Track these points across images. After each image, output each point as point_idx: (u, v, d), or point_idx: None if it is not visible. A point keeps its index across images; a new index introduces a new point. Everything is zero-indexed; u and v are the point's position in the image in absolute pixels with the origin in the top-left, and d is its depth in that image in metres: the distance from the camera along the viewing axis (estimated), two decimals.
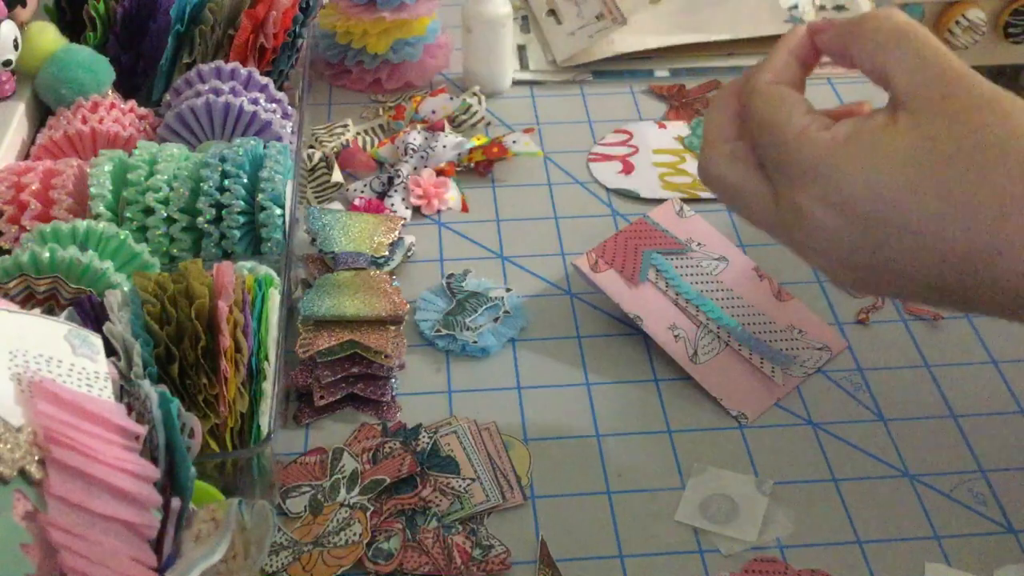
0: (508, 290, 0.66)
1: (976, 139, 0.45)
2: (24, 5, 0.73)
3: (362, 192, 0.73)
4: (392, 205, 0.72)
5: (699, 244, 0.67)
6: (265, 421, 0.53)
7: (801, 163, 0.47)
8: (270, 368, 0.55)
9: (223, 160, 0.63)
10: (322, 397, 0.58)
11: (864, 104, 0.51)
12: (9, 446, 0.39)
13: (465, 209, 0.74)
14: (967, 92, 0.46)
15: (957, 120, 0.45)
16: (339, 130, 0.79)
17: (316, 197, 0.74)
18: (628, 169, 0.76)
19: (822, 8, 0.90)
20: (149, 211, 0.62)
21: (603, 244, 0.65)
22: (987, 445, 0.57)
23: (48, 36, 0.73)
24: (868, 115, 0.47)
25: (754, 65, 0.51)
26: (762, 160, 0.49)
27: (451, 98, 0.81)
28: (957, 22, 1.40)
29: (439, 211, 0.73)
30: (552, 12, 0.91)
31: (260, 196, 0.62)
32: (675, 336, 0.62)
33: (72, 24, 0.77)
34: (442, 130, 0.77)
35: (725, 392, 0.60)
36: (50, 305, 0.55)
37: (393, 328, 0.60)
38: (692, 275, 0.65)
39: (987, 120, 0.45)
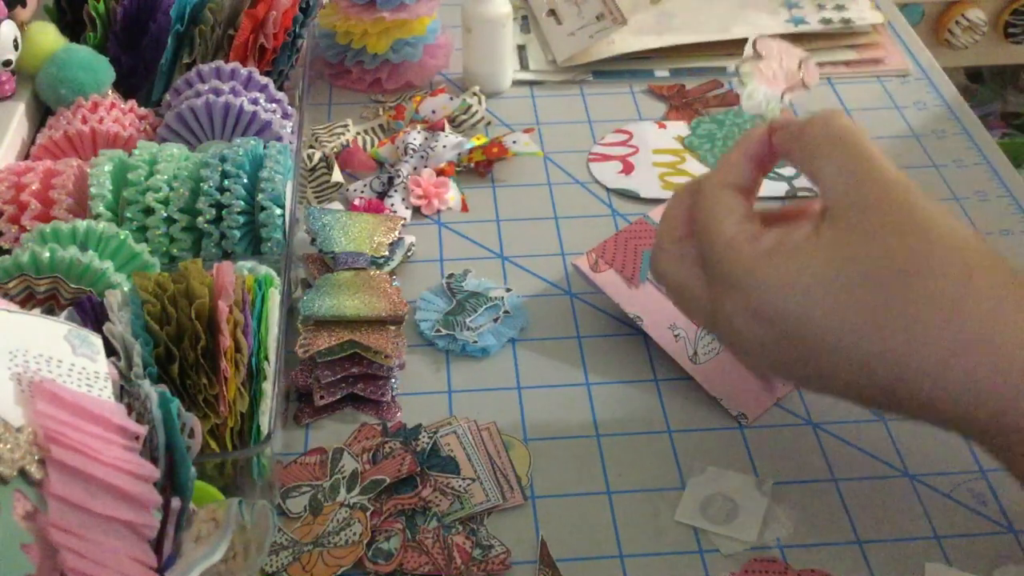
0: (508, 290, 0.66)
1: (891, 263, 0.45)
2: (24, 5, 0.73)
3: (362, 192, 0.73)
4: (392, 205, 0.72)
5: None
6: (265, 421, 0.53)
7: (726, 272, 0.49)
8: (270, 368, 0.55)
9: (223, 160, 0.63)
10: (322, 397, 0.58)
11: (811, 205, 0.51)
12: (9, 446, 0.39)
13: (465, 209, 0.74)
14: (888, 210, 0.46)
15: (874, 240, 0.46)
16: (339, 130, 0.79)
17: (316, 197, 0.74)
18: (628, 169, 0.76)
19: (821, 7, 0.90)
20: (149, 211, 0.62)
21: (603, 244, 0.65)
22: None
23: (48, 36, 0.73)
24: (794, 226, 0.48)
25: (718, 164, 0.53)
26: (703, 257, 0.51)
27: (451, 98, 0.81)
28: (957, 22, 1.40)
29: (439, 211, 0.73)
30: (552, 12, 0.91)
31: (260, 196, 0.62)
32: (675, 336, 0.62)
33: (72, 24, 0.77)
34: (442, 130, 0.77)
35: (725, 392, 0.60)
36: (50, 305, 0.55)
37: (393, 328, 0.60)
38: None
39: (901, 245, 0.46)
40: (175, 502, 0.42)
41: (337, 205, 0.72)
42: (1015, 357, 0.44)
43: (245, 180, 0.63)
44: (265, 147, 0.65)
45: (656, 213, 0.67)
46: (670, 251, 0.53)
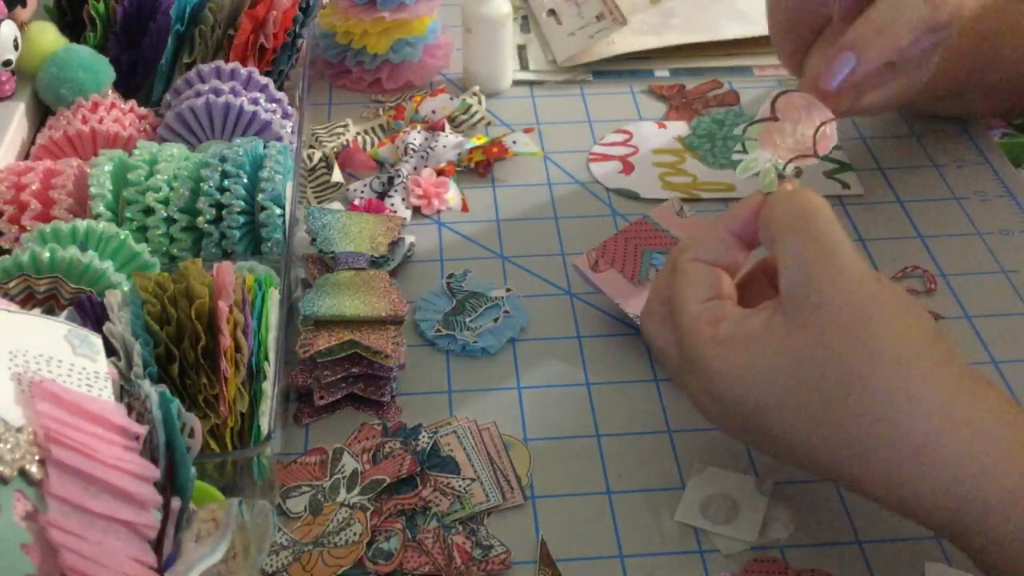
0: (508, 290, 0.66)
1: (835, 374, 0.46)
2: (24, 5, 0.73)
3: (362, 192, 0.73)
4: (392, 205, 0.72)
5: None
6: (265, 421, 0.53)
7: (686, 351, 0.50)
8: (270, 368, 0.55)
9: (223, 160, 0.63)
10: (322, 397, 0.58)
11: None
12: (9, 446, 0.39)
13: (465, 209, 0.74)
14: (839, 312, 0.46)
15: (821, 344, 0.46)
16: (339, 130, 0.79)
17: (316, 197, 0.74)
18: (628, 169, 0.76)
19: None
20: (149, 211, 0.62)
21: (603, 244, 0.65)
22: None
23: (48, 36, 0.73)
24: (753, 313, 0.49)
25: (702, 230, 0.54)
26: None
27: (451, 98, 0.81)
28: None
29: (439, 211, 0.73)
30: (552, 12, 0.91)
31: (260, 196, 0.62)
32: None
33: (72, 24, 0.77)
34: (442, 130, 0.77)
35: None
36: (50, 305, 0.55)
37: (393, 328, 0.60)
38: None
39: (848, 353, 0.45)
40: (175, 502, 0.42)
41: (337, 205, 0.72)
42: (958, 476, 0.44)
43: (245, 180, 0.63)
44: (265, 147, 0.65)
45: (657, 213, 0.67)
46: (656, 311, 0.54)
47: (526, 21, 0.93)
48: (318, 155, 0.77)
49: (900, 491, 0.46)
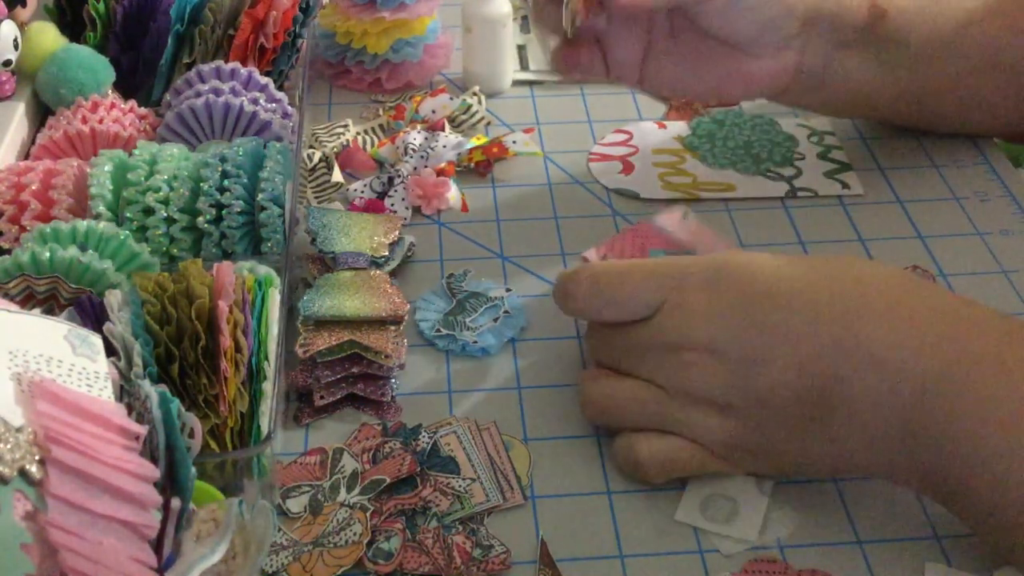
0: (508, 290, 0.66)
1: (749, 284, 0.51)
2: (24, 5, 0.73)
3: (362, 192, 0.73)
4: (392, 205, 0.72)
5: (703, 247, 0.65)
6: (265, 421, 0.53)
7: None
8: (270, 368, 0.55)
9: (223, 160, 0.63)
10: (322, 397, 0.58)
11: None
12: (9, 446, 0.39)
13: (465, 209, 0.74)
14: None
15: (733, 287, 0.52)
16: (339, 130, 0.79)
17: (316, 197, 0.74)
18: (628, 169, 0.76)
19: None
20: (149, 211, 0.62)
21: (611, 240, 0.64)
22: None
23: (48, 36, 0.73)
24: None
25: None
26: None
27: (451, 98, 0.81)
28: None
29: (439, 211, 0.73)
30: None
31: (260, 196, 0.62)
32: None
33: (72, 24, 0.77)
34: (442, 130, 0.77)
35: None
36: (50, 305, 0.55)
37: (393, 328, 0.60)
38: None
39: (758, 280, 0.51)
40: (175, 502, 0.42)
41: (337, 205, 0.72)
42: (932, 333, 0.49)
43: (245, 180, 0.63)
44: (265, 147, 0.65)
45: (662, 219, 0.66)
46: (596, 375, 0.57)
47: (526, 21, 0.93)
48: (318, 155, 0.77)
49: (874, 372, 0.48)
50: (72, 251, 0.56)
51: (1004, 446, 0.45)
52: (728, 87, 0.68)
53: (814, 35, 0.65)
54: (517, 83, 0.85)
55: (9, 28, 0.70)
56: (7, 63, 0.71)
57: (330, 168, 0.75)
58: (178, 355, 0.52)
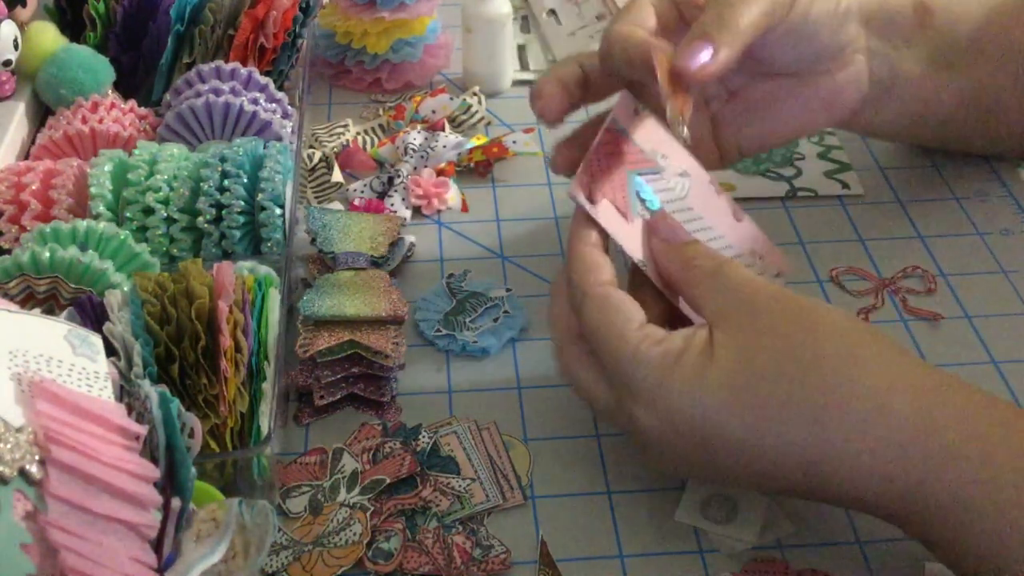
0: (508, 290, 0.66)
1: (783, 355, 0.47)
2: (24, 5, 0.73)
3: (362, 192, 0.73)
4: (392, 205, 0.72)
5: (663, 156, 0.58)
6: (265, 421, 0.53)
7: (635, 382, 0.49)
8: (270, 368, 0.55)
9: (223, 160, 0.63)
10: (322, 397, 0.58)
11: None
12: (9, 446, 0.39)
13: (465, 209, 0.74)
14: (774, 311, 0.49)
15: (765, 335, 0.48)
16: (339, 130, 0.79)
17: (316, 197, 0.74)
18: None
19: None
20: (149, 211, 0.62)
21: (588, 163, 0.55)
22: None
23: (48, 36, 0.73)
24: (693, 332, 0.49)
25: (571, 258, 0.53)
26: (601, 362, 0.51)
27: (451, 98, 0.81)
28: None
29: (439, 211, 0.73)
30: (552, 12, 0.91)
31: (260, 196, 0.62)
32: None
33: (72, 24, 0.77)
34: (442, 130, 0.77)
35: None
36: (50, 305, 0.55)
37: (393, 328, 0.60)
38: (668, 202, 0.58)
39: (792, 335, 0.47)
40: (175, 502, 0.42)
41: (337, 205, 0.72)
42: (914, 428, 0.46)
43: (245, 180, 0.63)
44: (265, 147, 0.65)
45: (619, 113, 0.57)
46: (571, 351, 0.53)
47: (526, 21, 0.93)
48: (318, 155, 0.77)
49: (860, 463, 0.46)
50: (72, 251, 0.56)
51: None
52: (809, 118, 0.64)
53: (873, 37, 0.63)
54: (517, 83, 0.85)
55: (9, 28, 0.70)
56: (7, 63, 0.71)
57: (330, 168, 0.75)
58: (178, 355, 0.52)
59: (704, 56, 0.53)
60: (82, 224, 0.59)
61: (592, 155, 0.56)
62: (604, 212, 0.55)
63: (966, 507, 0.45)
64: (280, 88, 0.74)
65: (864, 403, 0.46)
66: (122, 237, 0.59)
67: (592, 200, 0.54)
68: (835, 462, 0.46)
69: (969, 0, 0.66)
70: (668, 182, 0.57)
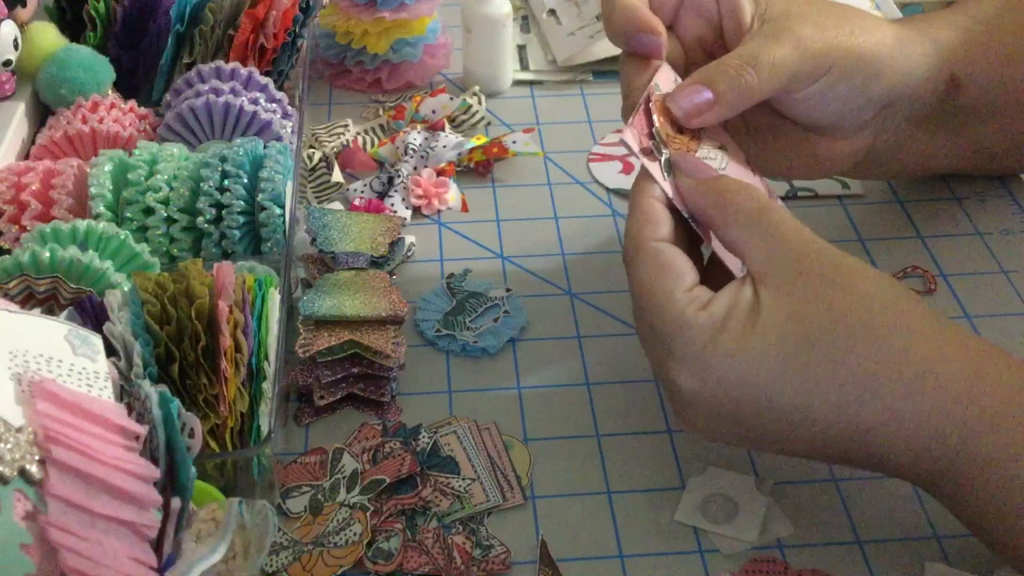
0: (508, 290, 0.66)
1: (833, 322, 0.47)
2: (24, 5, 0.73)
3: (362, 192, 0.73)
4: (392, 205, 0.72)
5: (703, 129, 0.58)
6: (265, 421, 0.53)
7: (679, 346, 0.48)
8: (270, 368, 0.55)
9: (223, 160, 0.63)
10: (322, 397, 0.58)
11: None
12: (9, 446, 0.39)
13: (465, 209, 0.74)
14: (820, 270, 0.48)
15: (814, 301, 0.47)
16: (339, 130, 0.79)
17: (316, 197, 0.74)
18: (628, 169, 0.76)
19: None
20: (149, 211, 0.62)
21: (637, 117, 0.54)
22: None
23: (48, 36, 0.73)
24: (738, 290, 0.49)
25: (632, 208, 0.52)
26: (639, 317, 0.51)
27: (451, 98, 0.81)
28: None
29: (439, 211, 0.73)
30: (552, 12, 0.91)
31: (260, 196, 0.62)
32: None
33: (72, 24, 0.77)
34: (442, 130, 0.77)
35: None
36: (50, 305, 0.55)
37: (393, 328, 0.60)
38: None
39: (842, 301, 0.47)
40: (175, 502, 0.42)
41: (337, 205, 0.72)
42: (958, 392, 0.46)
43: (245, 180, 0.63)
44: (265, 147, 0.65)
45: (662, 77, 0.57)
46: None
47: (526, 21, 0.93)
48: (318, 155, 0.77)
49: (906, 424, 0.46)
50: (72, 251, 0.56)
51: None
52: (800, 168, 0.64)
53: (890, 116, 0.62)
54: (517, 83, 0.85)
55: (9, 28, 0.70)
56: (7, 63, 0.71)
57: (330, 168, 0.75)
58: (178, 355, 0.52)
59: (701, 105, 0.55)
60: (82, 224, 0.59)
61: (643, 110, 0.55)
62: (650, 164, 0.54)
63: (1000, 474, 0.45)
64: (280, 88, 0.74)
65: (913, 370, 0.46)
66: (122, 237, 0.59)
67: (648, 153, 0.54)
68: (882, 428, 0.47)
69: (993, 56, 0.64)
70: (708, 151, 0.57)
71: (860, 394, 0.47)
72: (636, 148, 0.53)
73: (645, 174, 0.53)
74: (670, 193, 0.53)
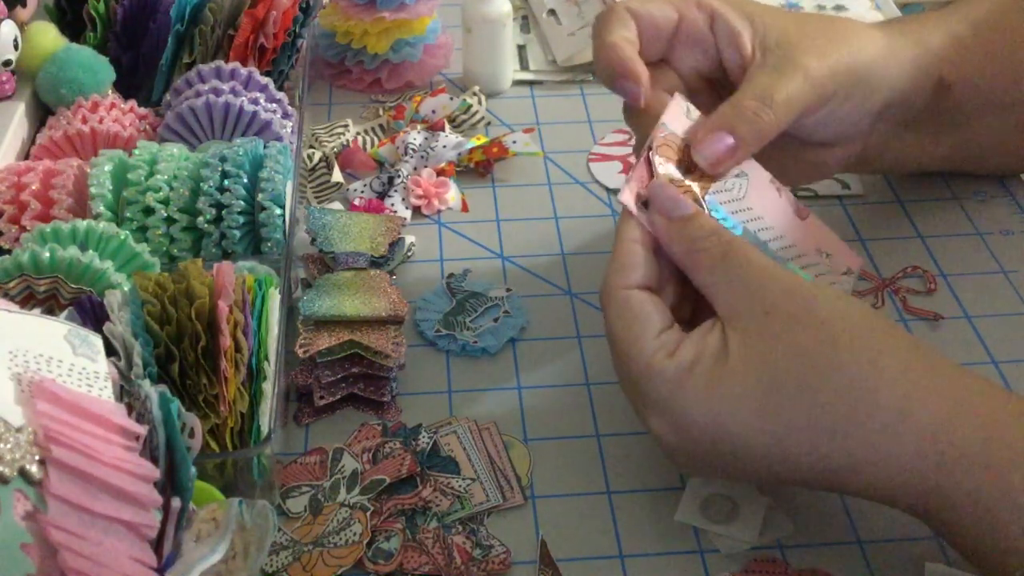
0: (508, 290, 0.66)
1: (801, 363, 0.46)
2: (24, 5, 0.73)
3: (362, 192, 0.73)
4: (392, 205, 0.72)
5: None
6: (265, 421, 0.53)
7: (650, 393, 0.48)
8: (270, 368, 0.55)
9: (223, 160, 0.63)
10: (322, 397, 0.58)
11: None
12: (9, 446, 0.39)
13: (465, 209, 0.74)
14: (787, 308, 0.47)
15: (781, 341, 0.47)
16: (339, 130, 0.79)
17: (316, 197, 0.74)
18: (628, 169, 0.76)
19: (821, 8, 0.90)
20: (149, 211, 0.62)
21: (637, 168, 0.54)
22: None
23: (48, 36, 0.73)
24: (706, 334, 0.48)
25: (613, 253, 0.52)
26: (615, 364, 0.51)
27: (451, 98, 0.81)
28: None
29: (439, 211, 0.73)
30: (552, 12, 0.91)
31: (260, 196, 0.62)
32: None
33: (72, 24, 0.77)
34: (442, 130, 0.77)
35: None
36: (50, 305, 0.55)
37: (393, 328, 0.60)
38: (725, 203, 0.56)
39: (808, 340, 0.47)
40: (175, 502, 0.42)
41: (337, 205, 0.72)
42: (933, 433, 0.46)
43: (245, 180, 0.63)
44: (265, 147, 0.65)
45: (670, 118, 0.56)
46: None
47: (526, 21, 0.93)
48: (318, 155, 0.77)
49: (882, 467, 0.46)
50: (72, 251, 0.56)
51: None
52: (795, 175, 0.63)
53: (881, 121, 0.63)
54: (517, 83, 0.85)
55: (9, 28, 0.70)
56: (7, 63, 0.71)
57: (330, 168, 0.75)
58: (178, 355, 0.52)
59: (725, 153, 0.55)
60: (82, 224, 0.59)
61: (644, 160, 0.54)
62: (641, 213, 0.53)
63: (984, 508, 0.45)
64: (280, 88, 0.74)
65: (885, 413, 0.46)
66: (122, 237, 0.59)
67: (644, 204, 0.53)
68: (857, 468, 0.46)
69: (981, 58, 0.65)
70: (725, 183, 0.56)
71: (831, 436, 0.46)
72: (632, 206, 0.53)
73: (627, 213, 0.52)
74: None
